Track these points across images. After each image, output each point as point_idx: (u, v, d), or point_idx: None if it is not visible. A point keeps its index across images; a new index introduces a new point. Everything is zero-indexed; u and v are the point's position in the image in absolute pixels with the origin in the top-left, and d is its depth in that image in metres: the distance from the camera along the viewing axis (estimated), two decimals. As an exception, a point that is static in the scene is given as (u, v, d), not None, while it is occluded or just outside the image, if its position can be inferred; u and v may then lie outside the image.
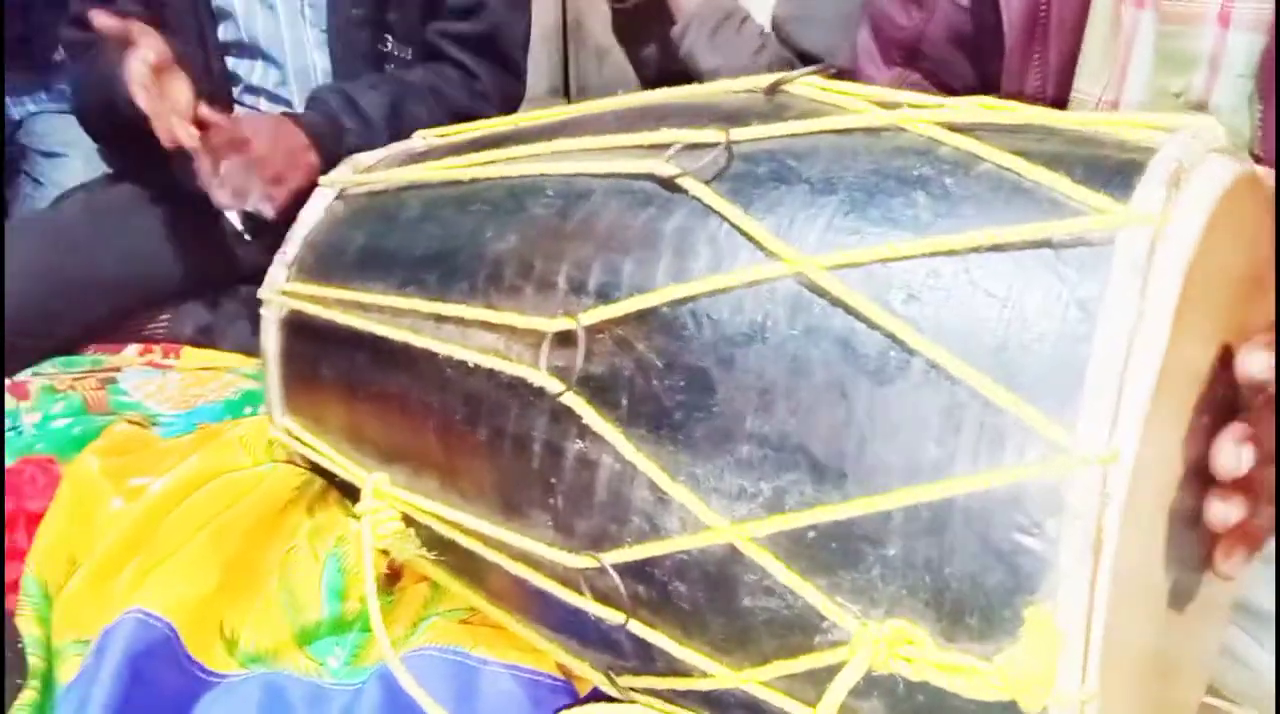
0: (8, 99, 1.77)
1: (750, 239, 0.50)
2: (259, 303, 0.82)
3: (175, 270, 1.41)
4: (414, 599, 0.73)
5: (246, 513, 0.77)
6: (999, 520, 0.43)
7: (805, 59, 1.21)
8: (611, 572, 0.53)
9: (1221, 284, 0.49)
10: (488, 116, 1.11)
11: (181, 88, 1.18)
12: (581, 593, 0.55)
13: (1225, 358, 0.50)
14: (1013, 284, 0.45)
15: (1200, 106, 0.74)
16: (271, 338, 0.75)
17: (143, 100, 1.14)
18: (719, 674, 0.51)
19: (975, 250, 0.46)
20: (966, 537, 0.43)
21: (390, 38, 1.40)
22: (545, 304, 0.56)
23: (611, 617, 0.54)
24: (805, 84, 0.58)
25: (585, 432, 0.53)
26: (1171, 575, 0.52)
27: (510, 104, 1.47)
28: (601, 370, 0.53)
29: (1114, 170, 0.46)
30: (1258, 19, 0.70)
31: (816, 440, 0.47)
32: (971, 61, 0.87)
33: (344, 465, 0.70)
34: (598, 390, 0.53)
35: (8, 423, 1.04)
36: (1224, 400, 0.50)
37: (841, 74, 0.60)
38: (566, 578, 0.56)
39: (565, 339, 0.54)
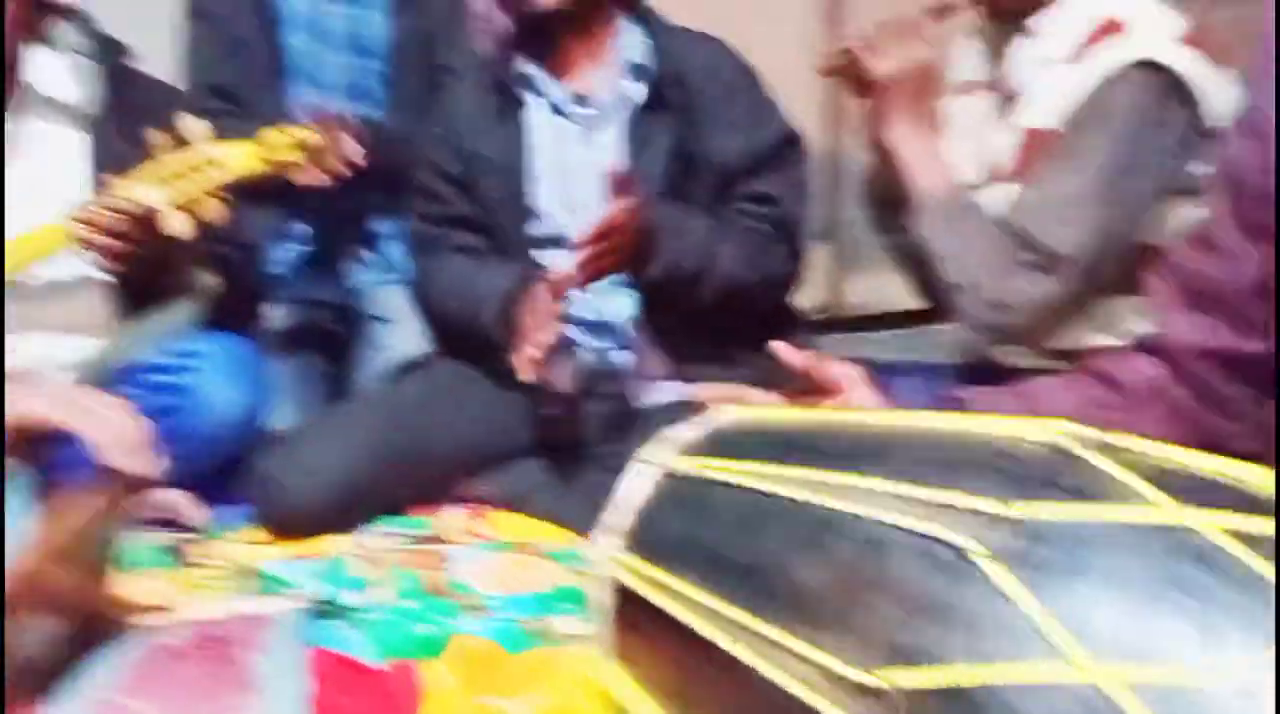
0: (351, 273, 2.04)
1: (1045, 636, 0.57)
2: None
3: (492, 441, 1.60)
4: None
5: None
6: None
7: (1044, 254, 1.23)
8: None
9: None
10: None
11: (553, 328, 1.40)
12: None
13: None
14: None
15: None
16: (605, 597, 0.87)
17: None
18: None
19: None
20: None
21: None
22: (852, 650, 0.65)
23: None
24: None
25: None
26: None
27: (793, 278, 1.63)
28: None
29: None
30: None
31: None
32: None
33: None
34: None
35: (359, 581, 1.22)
36: None
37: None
38: None
39: (873, 692, 0.63)
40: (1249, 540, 0.56)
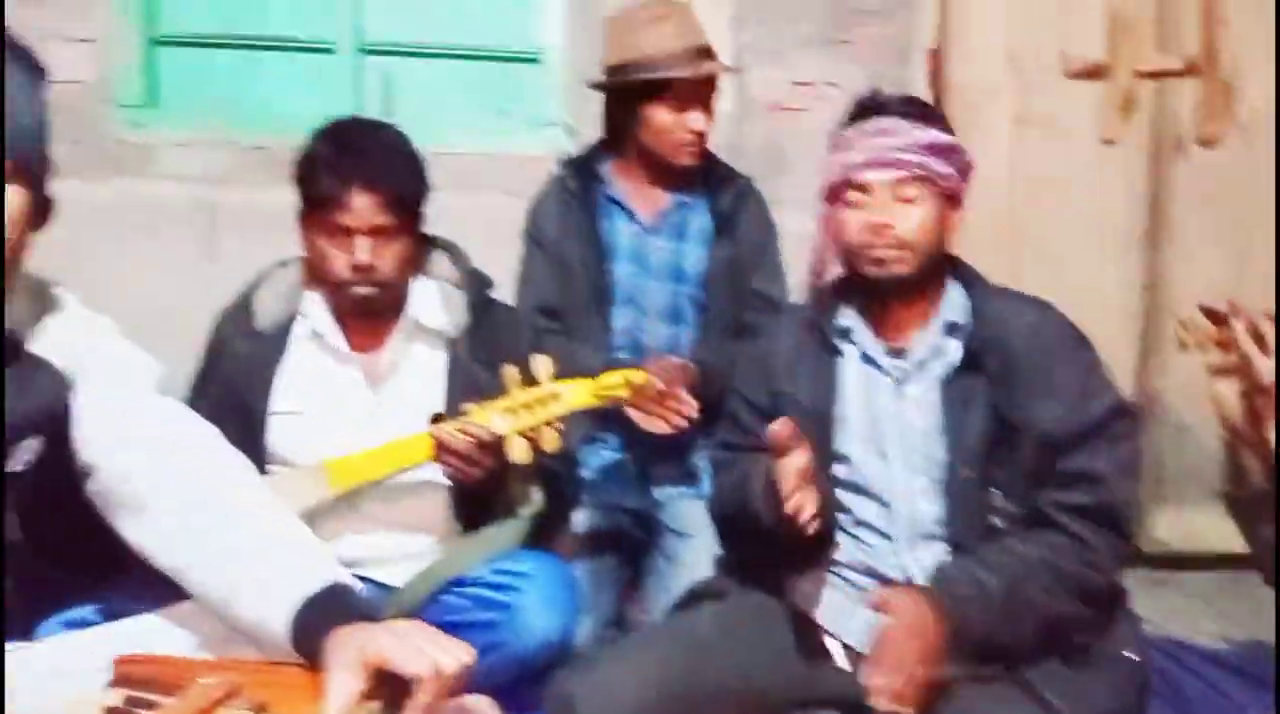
0: (656, 485, 2.15)
1: None
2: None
3: (781, 684, 1.60)
4: None
5: None
6: None
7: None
8: None
9: None
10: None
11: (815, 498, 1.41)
12: None
13: None
14: None
15: None
16: None
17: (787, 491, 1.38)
18: None
19: None
20: None
21: (998, 493, 1.53)
22: None
23: None
24: None
25: None
26: None
27: (1121, 564, 1.53)
28: None
29: None
30: None
31: None
32: None
33: None
34: None
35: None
36: None
37: None
38: None
39: None
40: None
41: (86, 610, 1.42)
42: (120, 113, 2.76)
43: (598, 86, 2.17)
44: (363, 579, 1.68)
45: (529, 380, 1.66)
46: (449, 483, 1.71)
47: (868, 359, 1.63)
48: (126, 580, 1.59)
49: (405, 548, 1.74)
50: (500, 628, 1.56)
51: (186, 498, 1.19)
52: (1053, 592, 1.44)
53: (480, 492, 1.66)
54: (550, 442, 1.65)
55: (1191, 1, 2.81)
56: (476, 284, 1.84)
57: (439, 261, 1.84)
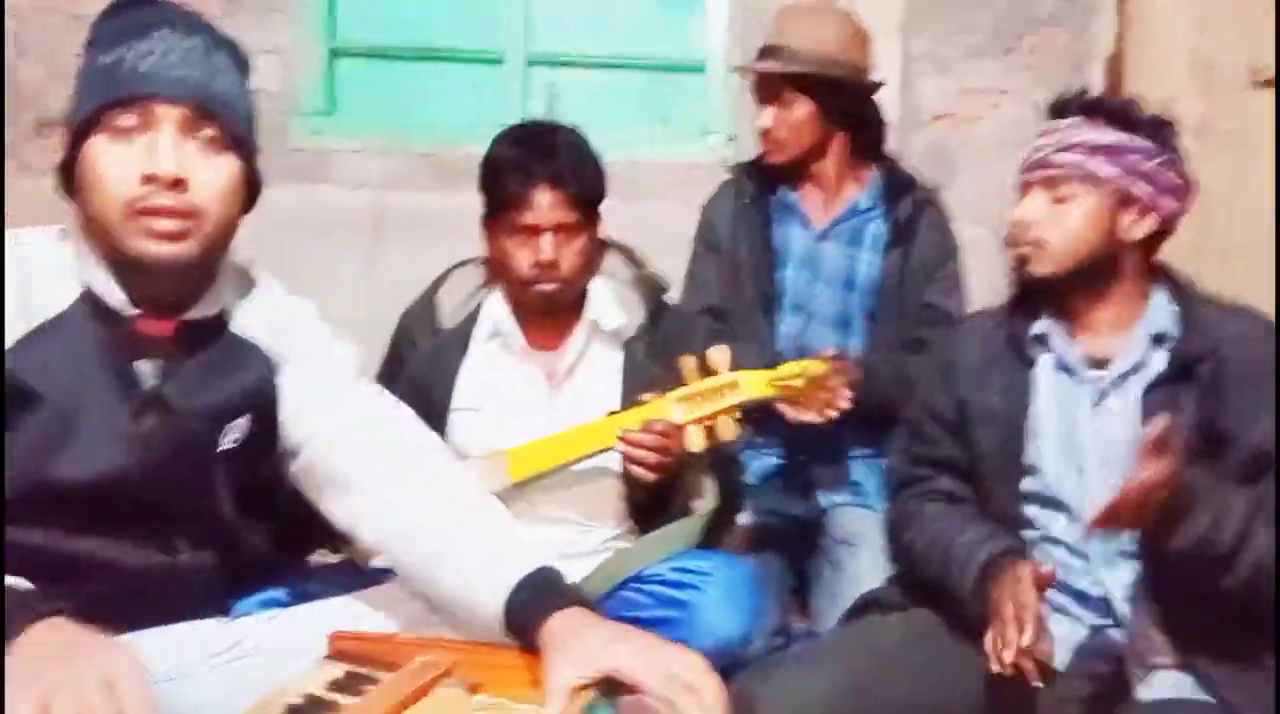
0: (820, 492, 2.12)
1: None
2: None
3: (968, 700, 1.54)
4: None
5: None
6: None
7: None
8: None
9: None
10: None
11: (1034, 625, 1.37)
12: None
13: None
14: None
15: None
16: None
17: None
18: None
19: None
20: None
21: None
22: None
23: None
24: None
25: None
26: None
27: None
28: None
29: None
30: None
31: None
32: None
33: None
34: None
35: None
36: None
37: None
38: None
39: None
40: None
41: (279, 592, 1.45)
42: (301, 121, 2.87)
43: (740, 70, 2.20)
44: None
45: (706, 371, 1.67)
46: (622, 473, 1.71)
47: (1064, 368, 1.57)
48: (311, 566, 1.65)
49: (581, 540, 1.75)
50: (679, 626, 1.55)
51: (393, 477, 1.22)
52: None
53: (657, 483, 1.65)
54: (727, 431, 1.65)
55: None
56: (653, 286, 1.85)
57: (615, 264, 1.86)
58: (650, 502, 1.72)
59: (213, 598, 1.28)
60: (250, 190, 1.21)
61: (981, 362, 1.64)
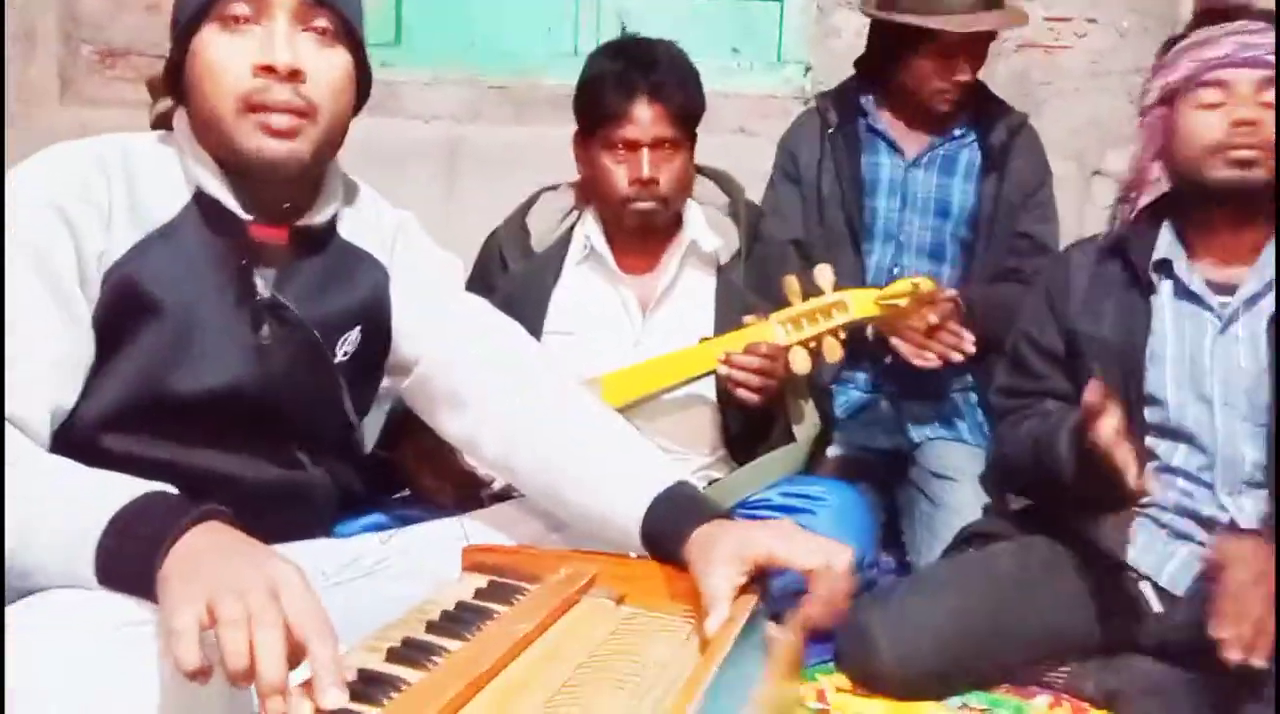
0: (911, 426, 2.08)
1: None
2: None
3: (1084, 628, 1.52)
4: None
5: None
6: None
7: None
8: None
9: None
10: None
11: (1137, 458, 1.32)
12: None
13: None
14: None
15: None
16: None
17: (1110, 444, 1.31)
18: None
19: None
20: None
21: None
22: None
23: None
24: None
25: None
26: None
27: None
28: None
29: None
30: None
31: None
32: None
33: None
34: None
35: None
36: None
37: None
38: None
39: None
40: None
41: (379, 516, 1.43)
42: (369, 52, 2.81)
43: (870, 14, 2.08)
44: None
45: (808, 293, 1.63)
46: (718, 399, 1.68)
47: (1187, 294, 1.52)
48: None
49: (677, 466, 1.72)
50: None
51: (513, 391, 1.18)
52: None
53: (758, 406, 1.62)
54: (833, 352, 1.62)
55: None
56: (749, 211, 1.80)
57: (708, 188, 1.82)
58: (747, 428, 1.69)
59: (328, 516, 1.26)
60: (360, 88, 1.16)
61: (1092, 291, 1.59)
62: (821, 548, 0.94)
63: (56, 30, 2.84)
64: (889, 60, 2.05)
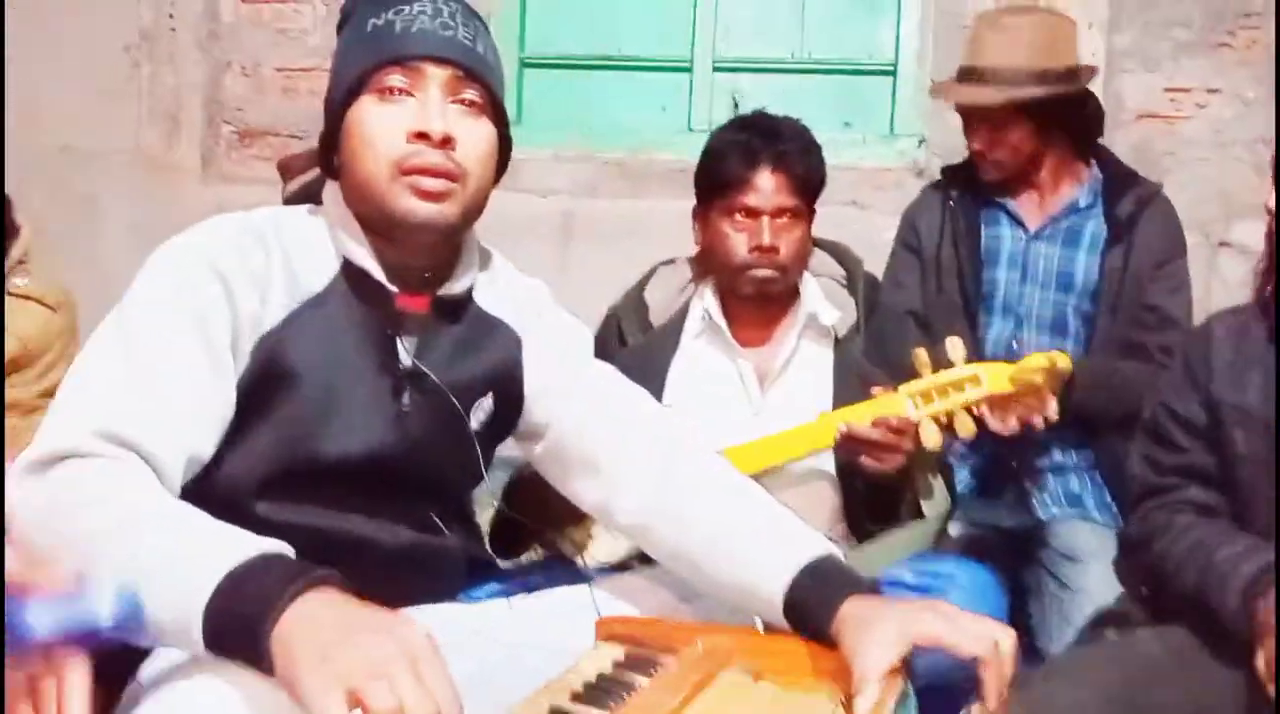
0: (1037, 504, 2.02)
1: None
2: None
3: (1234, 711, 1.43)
4: None
5: None
6: None
7: None
8: None
9: None
10: None
11: None
12: None
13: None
14: None
15: None
16: None
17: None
18: None
19: None
20: None
21: None
22: None
23: None
24: None
25: None
26: None
27: None
28: None
29: None
30: None
31: None
32: None
33: None
34: None
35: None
36: None
37: None
38: None
39: None
40: None
41: (504, 583, 1.44)
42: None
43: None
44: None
45: (939, 365, 1.60)
46: (838, 474, 1.66)
47: (1335, 367, 1.45)
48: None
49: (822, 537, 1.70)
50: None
51: (648, 457, 1.19)
52: None
53: (884, 481, 1.59)
54: (965, 428, 1.59)
55: None
56: (868, 283, 1.79)
57: (824, 261, 1.82)
58: (872, 503, 1.66)
59: (458, 580, 1.27)
60: (501, 159, 1.20)
61: (1235, 361, 1.53)
62: (988, 631, 0.92)
63: (202, 112, 3.00)
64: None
